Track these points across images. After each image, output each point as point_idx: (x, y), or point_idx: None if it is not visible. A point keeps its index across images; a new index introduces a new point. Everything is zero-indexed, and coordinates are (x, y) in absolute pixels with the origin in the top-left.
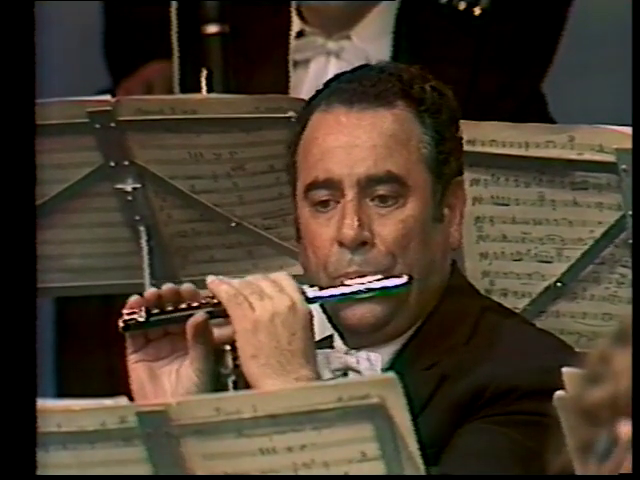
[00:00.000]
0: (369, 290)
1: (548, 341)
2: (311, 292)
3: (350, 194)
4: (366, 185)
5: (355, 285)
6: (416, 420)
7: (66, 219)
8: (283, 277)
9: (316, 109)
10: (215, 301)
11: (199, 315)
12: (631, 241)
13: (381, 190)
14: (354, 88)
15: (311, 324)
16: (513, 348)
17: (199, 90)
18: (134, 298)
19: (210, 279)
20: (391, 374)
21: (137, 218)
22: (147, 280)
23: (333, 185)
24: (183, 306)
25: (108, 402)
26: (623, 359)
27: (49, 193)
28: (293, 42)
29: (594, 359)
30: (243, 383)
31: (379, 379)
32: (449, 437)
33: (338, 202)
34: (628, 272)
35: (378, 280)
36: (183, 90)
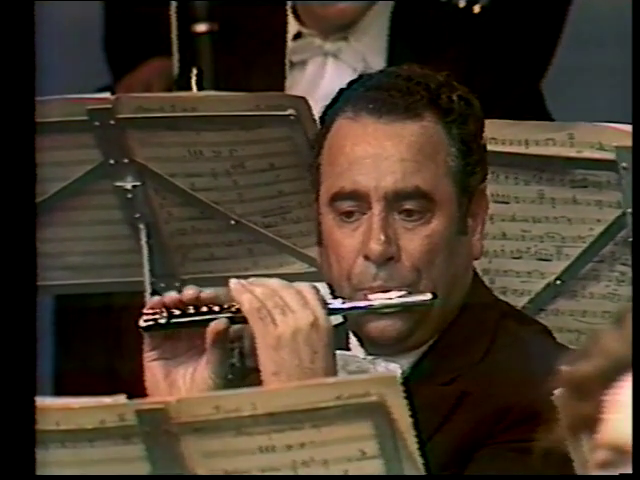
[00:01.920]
0: (393, 305)
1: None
2: (334, 304)
3: (377, 208)
4: (393, 199)
5: (379, 300)
6: (434, 436)
7: (66, 217)
8: (307, 289)
9: (342, 113)
10: (237, 306)
11: (221, 322)
12: (631, 239)
13: (408, 205)
14: (383, 98)
15: (333, 340)
16: (534, 367)
17: (189, 88)
18: (156, 298)
19: (233, 284)
20: (391, 372)
21: (137, 216)
22: (147, 278)
23: (360, 197)
24: (204, 309)
25: (107, 400)
26: (613, 337)
27: (49, 191)
28: (290, 44)
29: (587, 341)
30: (239, 381)
31: (379, 377)
32: (468, 458)
33: (364, 213)
34: (628, 270)
35: (402, 296)
36: (179, 89)
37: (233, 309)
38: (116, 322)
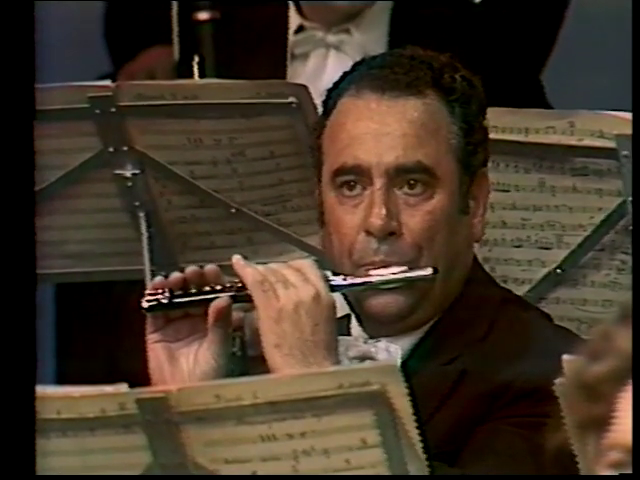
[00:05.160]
0: (394, 280)
1: (568, 339)
2: (335, 280)
3: (379, 183)
4: (395, 174)
5: (380, 275)
6: (434, 415)
7: (65, 205)
8: (308, 266)
9: (345, 93)
10: (239, 285)
11: (223, 299)
12: (631, 227)
13: (410, 180)
14: (386, 75)
15: (334, 314)
16: (534, 346)
17: (191, 76)
18: (158, 279)
19: (236, 259)
20: (392, 361)
21: (137, 204)
22: (147, 266)
23: (361, 172)
24: (207, 289)
25: (108, 389)
26: (626, 336)
27: (49, 179)
28: (292, 37)
29: (596, 336)
30: (240, 370)
31: (380, 366)
32: (468, 435)
33: (365, 188)
34: (628, 258)
35: (403, 271)
36: (180, 76)
37: (235, 287)
38: (117, 311)
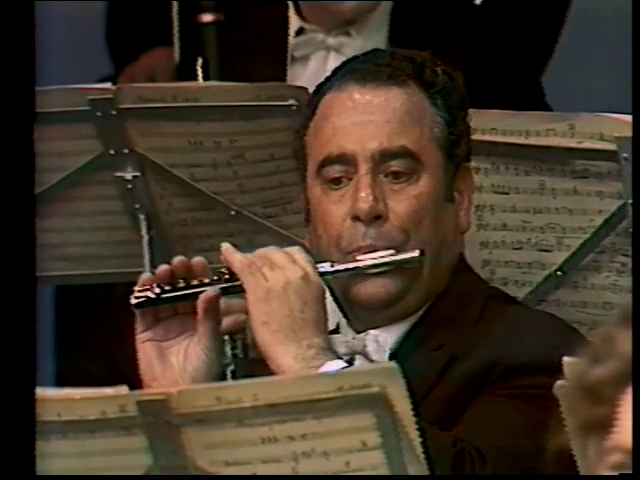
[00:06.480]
0: (382, 264)
1: (554, 322)
2: (323, 267)
3: (364, 168)
4: (380, 160)
5: (367, 259)
6: (425, 399)
7: (66, 207)
8: (296, 250)
9: (328, 91)
10: (227, 276)
11: (211, 290)
12: (631, 230)
13: (395, 166)
14: (368, 68)
15: (323, 295)
16: (521, 328)
17: (192, 78)
18: (146, 275)
19: (225, 246)
20: (392, 363)
21: (137, 206)
22: (147, 269)
23: (347, 160)
24: (195, 282)
25: (108, 391)
26: (626, 339)
27: (49, 181)
28: (293, 40)
29: (598, 339)
30: (242, 372)
31: (380, 368)
32: (460, 413)
33: (350, 179)
34: (628, 261)
35: (390, 255)
36: (181, 79)
37: (223, 279)
38: (117, 312)
